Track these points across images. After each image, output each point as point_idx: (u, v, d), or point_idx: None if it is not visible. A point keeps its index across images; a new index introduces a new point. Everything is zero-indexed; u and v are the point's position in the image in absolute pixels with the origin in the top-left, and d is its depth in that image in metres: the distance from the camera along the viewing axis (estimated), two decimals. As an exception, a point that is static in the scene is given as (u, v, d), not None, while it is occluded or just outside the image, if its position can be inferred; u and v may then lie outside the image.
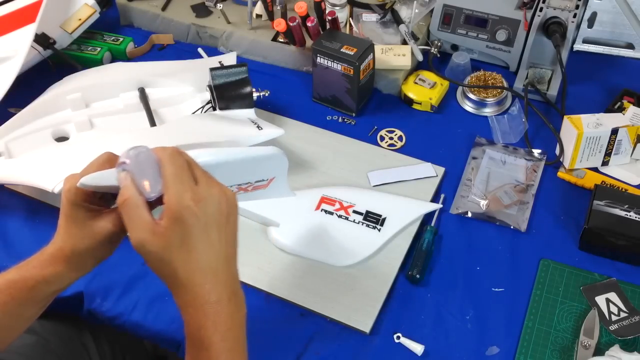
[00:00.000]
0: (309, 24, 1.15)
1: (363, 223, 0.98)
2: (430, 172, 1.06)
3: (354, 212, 0.99)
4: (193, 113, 1.10)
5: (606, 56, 1.26)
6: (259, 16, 1.29)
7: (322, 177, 1.06)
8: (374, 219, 0.99)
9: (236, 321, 0.65)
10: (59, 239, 0.70)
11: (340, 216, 0.99)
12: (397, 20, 1.22)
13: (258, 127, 1.03)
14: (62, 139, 1.10)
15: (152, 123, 1.09)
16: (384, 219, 0.99)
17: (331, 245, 0.96)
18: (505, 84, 1.18)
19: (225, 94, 1.06)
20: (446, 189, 1.05)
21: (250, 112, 1.08)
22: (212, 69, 1.06)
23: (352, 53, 1.09)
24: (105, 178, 0.65)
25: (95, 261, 0.72)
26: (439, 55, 1.24)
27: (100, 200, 0.71)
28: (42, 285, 0.70)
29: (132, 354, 1.08)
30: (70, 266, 0.70)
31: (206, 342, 0.62)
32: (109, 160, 0.67)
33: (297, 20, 1.16)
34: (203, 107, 1.11)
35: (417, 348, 0.87)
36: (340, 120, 1.17)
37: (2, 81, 1.11)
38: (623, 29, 1.23)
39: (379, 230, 0.98)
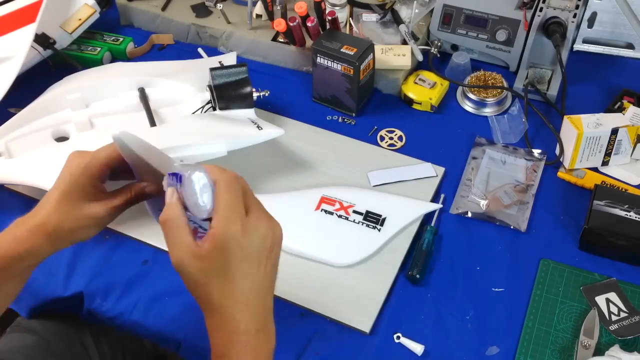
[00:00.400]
0: (309, 24, 1.15)
1: (363, 223, 0.98)
2: (430, 172, 1.06)
3: (354, 212, 0.99)
4: (193, 113, 1.11)
5: (606, 56, 1.26)
6: (259, 16, 1.29)
7: (322, 177, 1.06)
8: (374, 219, 0.99)
9: (261, 354, 0.64)
10: (43, 213, 0.69)
11: (340, 216, 0.99)
12: (397, 20, 1.22)
13: (258, 127, 1.03)
14: (62, 139, 1.10)
15: (152, 123, 1.09)
16: (384, 219, 0.99)
17: (331, 245, 0.96)
18: (505, 84, 1.18)
19: (225, 94, 1.06)
20: (446, 189, 1.05)
21: (250, 112, 1.08)
22: (212, 69, 1.06)
23: (352, 53, 1.09)
24: (158, 158, 0.64)
25: (72, 242, 0.72)
26: (439, 55, 1.24)
27: (102, 184, 0.71)
28: (16, 262, 0.70)
29: (132, 353, 1.08)
30: (49, 242, 0.70)
31: None
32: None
33: (297, 20, 1.16)
34: (203, 107, 1.11)
35: (417, 348, 0.87)
36: (340, 120, 1.17)
37: (2, 81, 1.11)
38: (623, 29, 1.23)
39: (379, 230, 0.97)
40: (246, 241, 0.61)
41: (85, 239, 0.73)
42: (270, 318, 0.66)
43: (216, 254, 0.60)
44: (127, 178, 0.75)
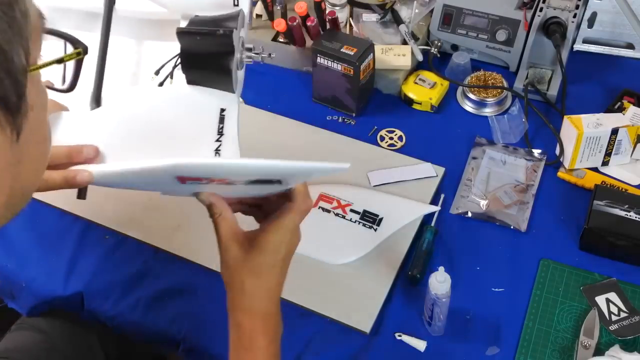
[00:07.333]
0: (309, 24, 1.15)
1: (359, 222, 0.98)
2: (430, 172, 1.06)
3: (351, 210, 0.99)
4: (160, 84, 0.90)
5: (606, 56, 1.26)
6: (259, 16, 1.29)
7: (322, 177, 1.06)
8: (370, 219, 0.98)
9: (279, 334, 0.73)
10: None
11: (337, 214, 0.99)
12: (397, 20, 1.22)
13: (220, 133, 0.79)
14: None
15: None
16: (380, 219, 0.98)
17: (326, 244, 0.96)
18: (505, 84, 1.18)
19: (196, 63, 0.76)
20: (446, 189, 1.05)
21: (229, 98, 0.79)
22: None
23: (352, 53, 1.09)
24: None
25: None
26: (439, 55, 1.24)
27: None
28: None
29: (137, 353, 1.08)
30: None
31: (256, 344, 0.71)
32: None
33: (297, 20, 1.16)
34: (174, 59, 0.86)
35: (420, 344, 0.87)
36: (340, 120, 1.17)
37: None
38: (623, 29, 1.22)
39: (375, 230, 0.97)
40: (282, 251, 0.71)
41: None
42: (279, 307, 0.74)
43: (257, 253, 0.70)
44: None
